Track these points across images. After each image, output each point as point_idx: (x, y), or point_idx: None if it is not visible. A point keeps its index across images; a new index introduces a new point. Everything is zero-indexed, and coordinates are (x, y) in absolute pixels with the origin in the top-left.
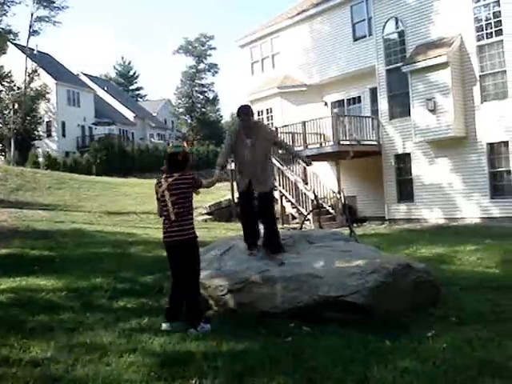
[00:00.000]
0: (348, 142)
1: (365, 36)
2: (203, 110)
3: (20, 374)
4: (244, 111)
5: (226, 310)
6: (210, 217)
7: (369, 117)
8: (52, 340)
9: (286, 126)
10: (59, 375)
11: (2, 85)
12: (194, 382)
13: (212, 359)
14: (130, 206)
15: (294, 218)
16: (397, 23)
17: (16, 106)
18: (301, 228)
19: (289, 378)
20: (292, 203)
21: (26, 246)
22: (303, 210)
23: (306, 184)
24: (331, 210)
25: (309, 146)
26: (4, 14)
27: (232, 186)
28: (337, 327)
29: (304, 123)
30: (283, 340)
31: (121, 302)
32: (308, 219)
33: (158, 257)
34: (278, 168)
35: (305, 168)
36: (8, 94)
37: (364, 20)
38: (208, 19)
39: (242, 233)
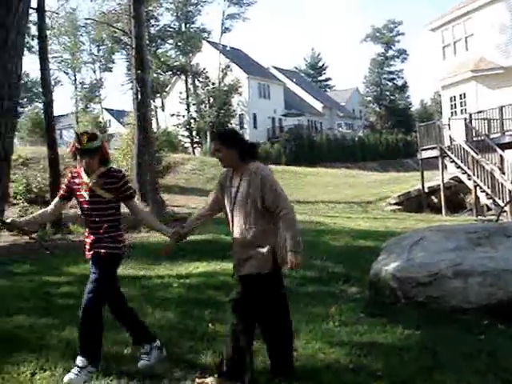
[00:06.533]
0: None
1: None
2: (392, 97)
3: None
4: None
5: (414, 303)
6: (399, 207)
7: None
8: None
9: (480, 111)
10: None
11: (198, 81)
12: (380, 373)
13: (399, 351)
14: (318, 195)
15: (489, 209)
16: None
17: (211, 100)
18: (497, 220)
19: (481, 378)
20: (487, 193)
21: (220, 232)
22: (500, 201)
23: (503, 173)
24: None
25: (506, 133)
26: (198, 14)
27: (422, 175)
28: None
29: (501, 108)
30: (476, 337)
31: (309, 289)
32: (505, 211)
33: (346, 246)
34: (473, 157)
35: (501, 156)
36: (203, 90)
37: None
38: (396, 4)
39: (432, 224)
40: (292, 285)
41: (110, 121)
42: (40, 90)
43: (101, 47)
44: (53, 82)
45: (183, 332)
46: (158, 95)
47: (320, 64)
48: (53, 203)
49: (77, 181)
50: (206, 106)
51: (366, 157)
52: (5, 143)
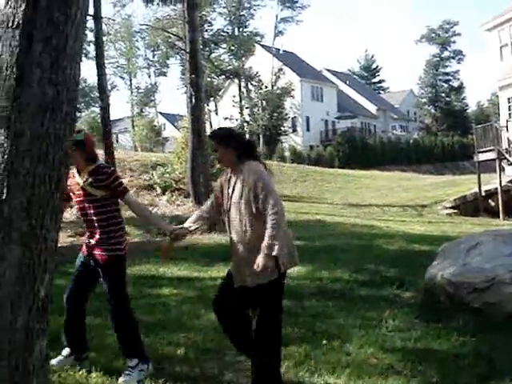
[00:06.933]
0: None
1: None
2: (447, 99)
3: None
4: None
5: (470, 308)
6: (455, 211)
7: None
8: (297, 325)
9: None
10: (300, 360)
11: (251, 84)
12: (435, 380)
13: (454, 358)
14: (371, 199)
15: None
16: None
17: (264, 103)
18: None
19: None
20: None
21: None
22: None
23: None
24: None
25: None
26: (251, 18)
27: (479, 178)
28: None
29: None
30: None
31: (362, 292)
32: None
33: (400, 250)
34: None
35: None
36: (257, 93)
37: None
38: (450, 5)
39: (489, 229)
40: (345, 288)
41: (164, 124)
42: (97, 94)
43: (156, 52)
44: (109, 87)
45: None
46: (212, 99)
47: (374, 66)
48: None
49: (69, 182)
50: (259, 110)
51: (420, 159)
52: (64, 147)
